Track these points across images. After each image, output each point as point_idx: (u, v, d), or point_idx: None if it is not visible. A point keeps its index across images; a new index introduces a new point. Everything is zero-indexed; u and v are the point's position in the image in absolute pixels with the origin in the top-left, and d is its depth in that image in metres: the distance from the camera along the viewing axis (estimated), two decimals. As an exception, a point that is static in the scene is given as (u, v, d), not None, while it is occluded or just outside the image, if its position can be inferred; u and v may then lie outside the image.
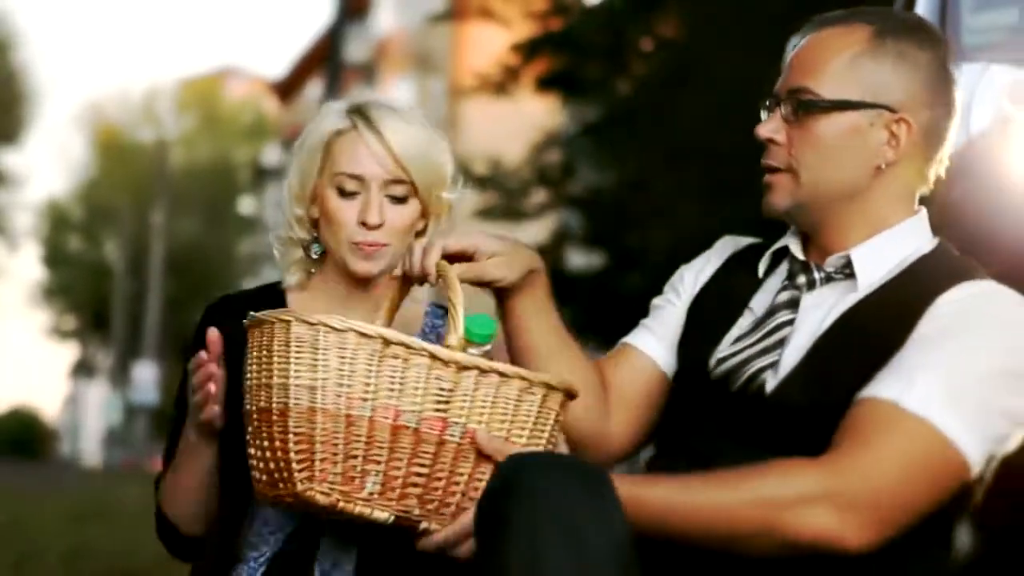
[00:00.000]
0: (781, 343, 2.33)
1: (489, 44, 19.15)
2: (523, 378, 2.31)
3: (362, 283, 2.71)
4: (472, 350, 2.35)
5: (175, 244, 39.71)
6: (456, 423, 2.28)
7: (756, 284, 2.45)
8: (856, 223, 2.35)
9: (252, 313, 2.35)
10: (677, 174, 12.18)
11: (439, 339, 2.69)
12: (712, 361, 2.39)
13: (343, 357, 2.27)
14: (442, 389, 2.27)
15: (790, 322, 2.34)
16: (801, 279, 2.38)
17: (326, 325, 2.27)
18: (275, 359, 2.30)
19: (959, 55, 3.93)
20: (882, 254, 2.34)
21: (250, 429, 2.33)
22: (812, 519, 2.11)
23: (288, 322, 2.30)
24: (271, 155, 43.01)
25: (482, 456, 2.26)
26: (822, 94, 2.32)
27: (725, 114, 7.54)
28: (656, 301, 2.60)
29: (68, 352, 56.06)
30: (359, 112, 2.66)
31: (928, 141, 2.35)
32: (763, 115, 2.40)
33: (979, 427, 2.18)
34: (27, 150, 74.77)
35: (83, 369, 50.02)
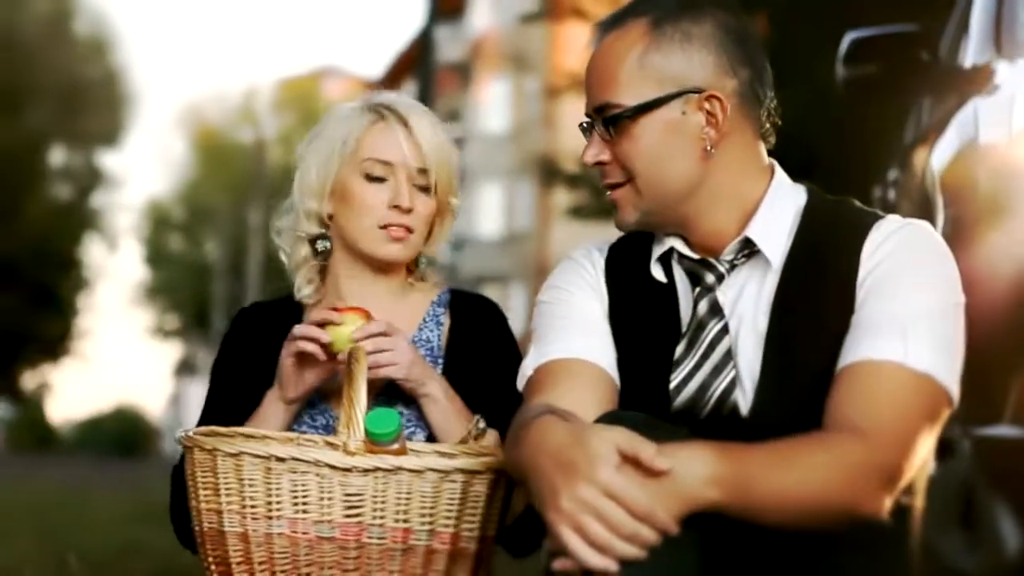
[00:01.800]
0: (728, 355, 2.31)
1: (584, 43, 19.11)
2: (437, 470, 2.29)
3: (380, 271, 2.77)
4: (395, 445, 2.34)
5: (273, 244, 39.93)
6: (373, 525, 2.29)
7: (666, 294, 2.39)
8: (720, 206, 2.32)
9: (179, 434, 2.39)
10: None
11: (439, 327, 2.76)
12: (670, 389, 2.32)
13: (241, 479, 2.30)
14: (349, 495, 2.28)
15: (724, 329, 2.32)
16: (709, 278, 2.34)
17: (220, 450, 2.30)
18: (195, 483, 2.36)
19: (1016, 51, 3.95)
20: (776, 226, 2.32)
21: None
22: (861, 491, 2.11)
23: (190, 448, 2.34)
24: (368, 155, 43.21)
25: (412, 552, 2.29)
26: (625, 103, 2.29)
27: (816, 114, 7.51)
28: (559, 310, 2.45)
29: (171, 351, 56.62)
30: (386, 107, 2.74)
31: (746, 103, 2.31)
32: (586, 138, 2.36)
33: (955, 367, 2.23)
34: (127, 151, 75.52)
35: (186, 368, 50.48)
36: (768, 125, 2.36)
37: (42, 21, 35.28)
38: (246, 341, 2.80)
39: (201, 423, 2.67)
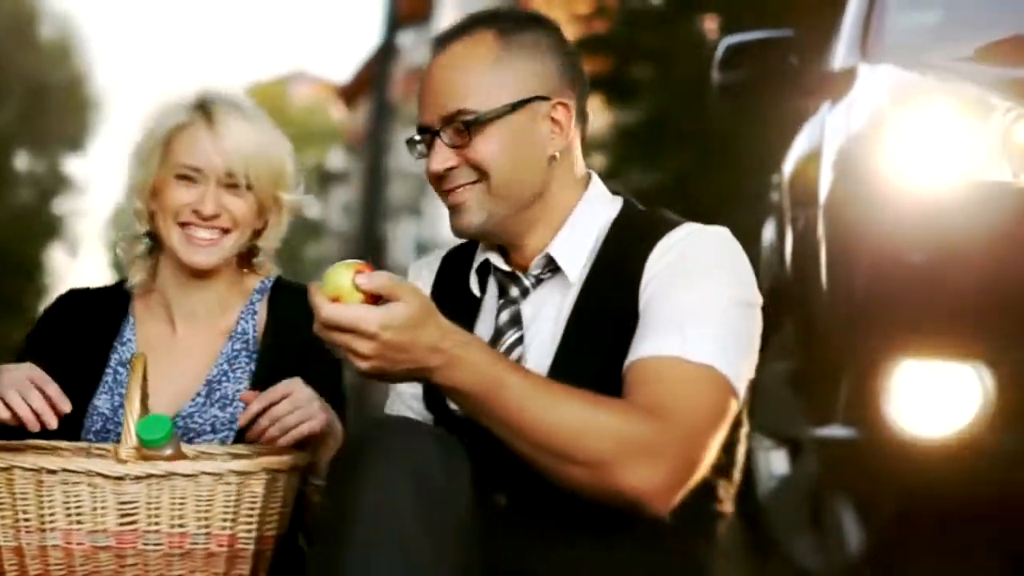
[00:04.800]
0: (519, 363, 2.34)
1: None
2: (210, 473, 2.30)
3: (202, 274, 2.78)
4: (168, 450, 2.34)
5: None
6: (149, 532, 2.30)
7: (477, 307, 2.45)
8: (542, 219, 2.38)
9: None
10: (718, 178, 12.13)
11: (253, 317, 2.78)
12: None
13: (13, 493, 2.29)
14: (123, 503, 2.29)
15: (520, 340, 2.37)
16: (514, 291, 2.40)
17: None
18: None
19: (882, 55, 3.99)
20: (579, 240, 2.37)
21: None
22: (640, 471, 2.12)
23: None
24: (336, 159, 43.23)
25: (190, 556, 2.30)
26: (479, 110, 2.33)
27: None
28: None
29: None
30: (201, 107, 2.75)
31: (581, 118, 2.39)
32: (413, 152, 2.40)
33: (739, 362, 2.25)
34: (91, 156, 75.42)
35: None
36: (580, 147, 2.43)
37: (5, 24, 35.18)
38: (62, 327, 2.81)
39: None
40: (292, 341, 2.74)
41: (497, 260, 2.42)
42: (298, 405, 2.50)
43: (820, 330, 3.65)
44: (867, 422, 3.41)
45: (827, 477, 3.76)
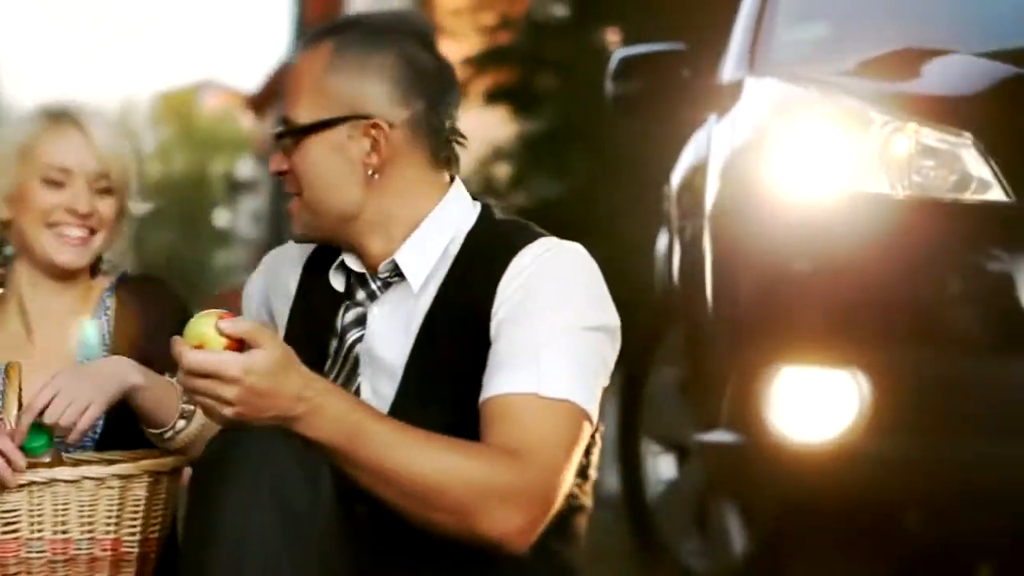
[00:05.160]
0: (356, 367, 2.39)
1: (453, 59, 19.28)
2: (92, 477, 2.32)
3: (65, 277, 2.78)
4: (47, 458, 2.37)
5: (151, 255, 39.79)
6: (32, 539, 2.32)
7: (340, 302, 2.46)
8: (379, 230, 2.38)
9: None
10: (620, 187, 12.21)
11: (106, 313, 2.78)
12: None
13: None
14: (5, 512, 2.30)
15: (360, 338, 2.39)
16: (360, 294, 2.42)
17: None
18: None
19: (768, 69, 4.08)
20: (424, 248, 2.37)
21: None
22: (502, 516, 2.17)
23: None
24: (245, 168, 43.04)
25: (74, 562, 2.33)
26: (299, 120, 2.35)
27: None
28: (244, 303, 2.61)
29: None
30: (64, 113, 2.77)
31: (419, 133, 2.37)
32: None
33: (594, 388, 2.29)
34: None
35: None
36: (447, 153, 2.42)
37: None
38: None
39: None
40: (139, 328, 2.76)
41: (351, 261, 2.43)
42: (70, 398, 2.44)
43: (705, 338, 3.73)
44: (749, 427, 3.48)
45: (712, 481, 3.84)
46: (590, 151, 12.94)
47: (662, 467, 4.46)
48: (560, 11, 14.28)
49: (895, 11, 4.34)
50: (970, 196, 3.39)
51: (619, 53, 4.82)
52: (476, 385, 2.27)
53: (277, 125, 2.42)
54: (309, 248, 2.52)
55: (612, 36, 13.92)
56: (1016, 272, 3.28)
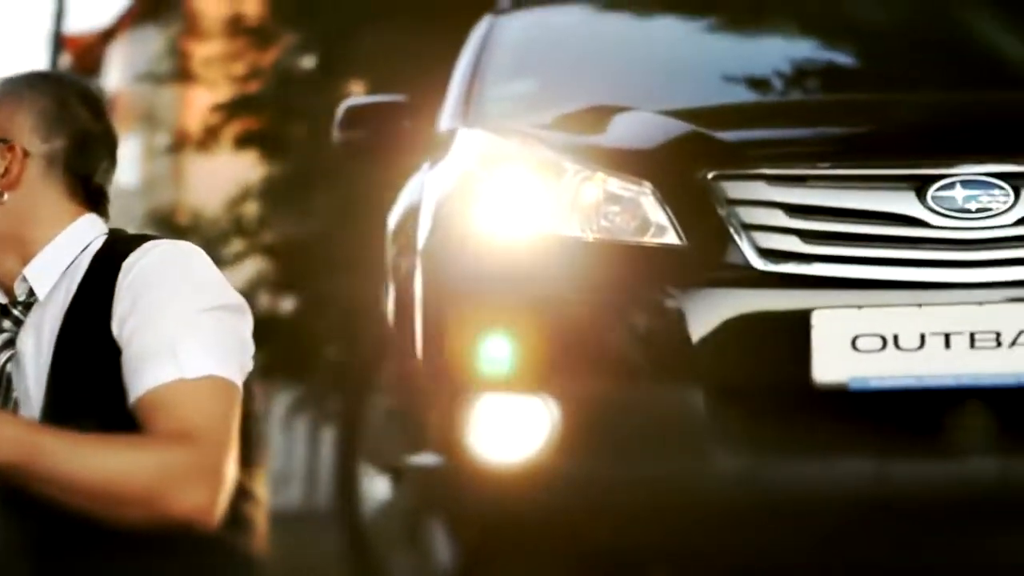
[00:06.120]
0: (9, 387, 2.50)
1: (205, 105, 19.28)
2: None
3: None
4: None
5: None
6: None
7: None
8: (17, 247, 2.52)
9: None
10: (360, 228, 12.45)
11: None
12: None
13: None
14: None
15: (11, 359, 2.51)
16: (7, 323, 2.54)
17: None
18: None
19: (478, 120, 4.42)
20: (51, 262, 2.50)
21: None
22: (188, 495, 2.27)
23: None
24: None
25: None
26: None
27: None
28: None
29: None
30: None
31: (55, 168, 2.53)
32: None
33: (234, 361, 2.41)
34: None
35: None
36: (86, 198, 2.57)
37: None
38: None
39: None
40: None
41: None
42: None
43: (413, 368, 4.03)
44: (452, 450, 3.76)
45: (420, 501, 4.14)
46: (331, 194, 13.21)
47: (377, 488, 4.75)
48: (307, 63, 14.55)
49: (592, 72, 4.73)
50: (649, 239, 3.73)
51: (345, 103, 5.10)
52: (121, 390, 2.39)
53: None
54: None
55: (356, 87, 14.23)
56: (686, 308, 3.64)
